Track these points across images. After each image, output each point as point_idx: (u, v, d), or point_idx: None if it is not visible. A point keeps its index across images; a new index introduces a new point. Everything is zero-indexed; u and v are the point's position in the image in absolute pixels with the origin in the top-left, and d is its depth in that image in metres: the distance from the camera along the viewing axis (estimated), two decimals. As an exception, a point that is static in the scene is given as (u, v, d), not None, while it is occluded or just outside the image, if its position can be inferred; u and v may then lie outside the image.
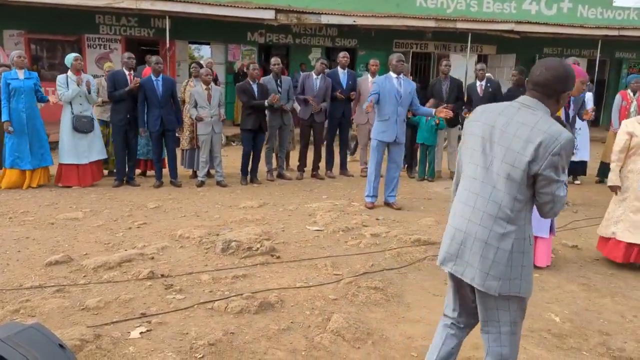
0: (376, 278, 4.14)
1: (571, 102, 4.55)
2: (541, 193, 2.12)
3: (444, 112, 6.11)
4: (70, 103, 7.04)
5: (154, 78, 7.24)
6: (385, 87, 6.19)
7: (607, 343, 3.32)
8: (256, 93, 7.54)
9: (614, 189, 4.68)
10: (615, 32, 14.30)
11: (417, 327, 3.40)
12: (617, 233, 4.60)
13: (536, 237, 4.46)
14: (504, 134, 2.15)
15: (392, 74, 6.23)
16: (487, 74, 8.49)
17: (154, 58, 7.46)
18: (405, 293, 3.95)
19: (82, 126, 7.08)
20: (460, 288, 2.42)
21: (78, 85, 6.97)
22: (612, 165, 4.67)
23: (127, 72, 7.21)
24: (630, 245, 4.56)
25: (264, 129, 7.70)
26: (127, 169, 7.53)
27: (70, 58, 7.13)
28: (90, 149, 7.24)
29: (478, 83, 8.19)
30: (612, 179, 4.65)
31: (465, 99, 8.47)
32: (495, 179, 2.17)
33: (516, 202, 2.13)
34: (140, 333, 3.16)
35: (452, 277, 2.40)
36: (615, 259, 4.66)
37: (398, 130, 6.26)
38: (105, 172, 7.95)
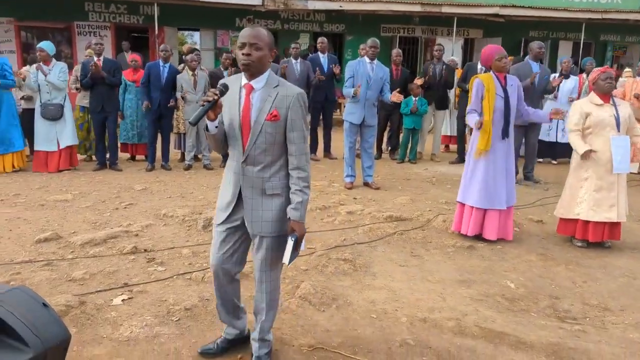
0: (347, 251, 4.41)
1: (507, 80, 4.70)
2: None
3: (397, 96, 6.28)
4: (39, 91, 7.22)
5: (161, 64, 7.57)
6: (358, 70, 6.44)
7: (555, 305, 3.60)
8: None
9: (587, 154, 4.59)
10: (598, 15, 14.47)
11: (380, 293, 3.67)
12: (581, 214, 4.65)
13: (487, 210, 4.72)
14: None
15: (366, 59, 6.47)
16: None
17: (162, 46, 7.78)
18: (373, 264, 4.21)
19: (49, 114, 7.25)
20: None
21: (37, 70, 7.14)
22: (571, 137, 4.67)
23: (95, 59, 7.36)
24: (597, 224, 4.61)
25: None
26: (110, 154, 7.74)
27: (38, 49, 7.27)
28: (60, 135, 7.37)
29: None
30: (580, 145, 4.60)
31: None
32: None
33: None
34: (122, 300, 3.42)
35: None
36: (586, 237, 4.69)
37: (366, 112, 6.48)
38: (93, 157, 8.15)
